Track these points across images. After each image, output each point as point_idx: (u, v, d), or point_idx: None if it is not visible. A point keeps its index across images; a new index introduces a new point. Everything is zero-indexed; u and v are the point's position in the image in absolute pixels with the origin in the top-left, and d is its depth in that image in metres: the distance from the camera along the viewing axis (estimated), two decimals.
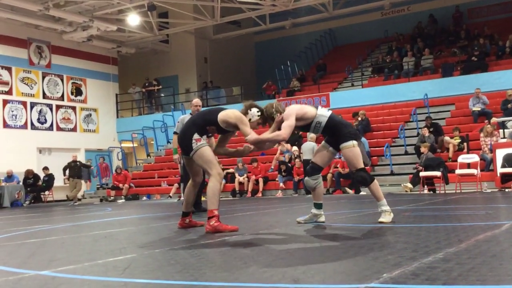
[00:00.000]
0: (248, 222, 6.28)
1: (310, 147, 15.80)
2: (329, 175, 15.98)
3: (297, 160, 16.57)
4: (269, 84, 24.60)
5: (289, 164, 17.17)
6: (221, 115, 5.53)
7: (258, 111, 5.62)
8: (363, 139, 16.70)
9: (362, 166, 5.63)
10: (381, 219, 5.64)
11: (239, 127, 5.45)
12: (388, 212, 5.70)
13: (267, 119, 5.65)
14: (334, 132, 5.63)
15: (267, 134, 5.55)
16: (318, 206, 5.97)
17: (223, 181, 17.73)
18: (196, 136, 5.55)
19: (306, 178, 5.93)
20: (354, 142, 5.58)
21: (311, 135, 16.64)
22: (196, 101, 8.95)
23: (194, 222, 6.22)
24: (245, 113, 5.60)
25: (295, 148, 17.51)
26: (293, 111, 5.51)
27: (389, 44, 25.69)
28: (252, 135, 5.41)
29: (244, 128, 5.42)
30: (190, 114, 8.75)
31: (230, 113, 5.54)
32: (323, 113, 5.58)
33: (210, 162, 5.52)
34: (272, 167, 17.92)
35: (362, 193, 14.52)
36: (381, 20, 28.15)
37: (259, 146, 5.77)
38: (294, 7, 22.88)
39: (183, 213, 6.14)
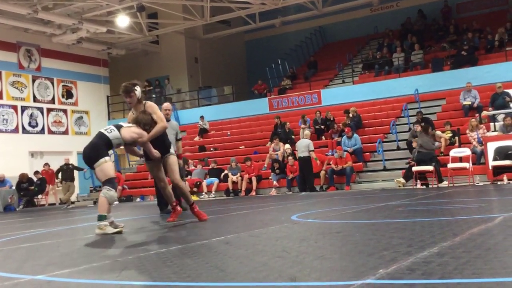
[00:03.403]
0: (242, 221, 6.28)
1: (305, 144, 15.85)
2: (322, 172, 16.02)
3: (290, 157, 16.59)
4: (259, 84, 24.62)
5: (283, 162, 17.19)
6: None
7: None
8: (355, 135, 16.79)
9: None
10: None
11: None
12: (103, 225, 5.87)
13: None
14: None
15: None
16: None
17: (217, 180, 17.75)
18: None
19: None
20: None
21: (305, 133, 16.69)
22: (166, 105, 9.07)
23: (198, 212, 6.75)
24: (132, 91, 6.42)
25: (287, 146, 17.53)
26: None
27: (379, 40, 25.76)
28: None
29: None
30: None
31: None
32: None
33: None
34: (265, 165, 17.93)
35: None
36: (370, 16, 28.23)
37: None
38: (283, 5, 22.91)
39: (190, 206, 6.74)
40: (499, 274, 2.57)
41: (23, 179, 19.35)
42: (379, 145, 16.53)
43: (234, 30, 27.74)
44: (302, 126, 18.68)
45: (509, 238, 3.78)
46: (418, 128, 15.78)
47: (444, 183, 13.56)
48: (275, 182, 16.87)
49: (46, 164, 20.13)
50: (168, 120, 8.99)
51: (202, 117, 22.72)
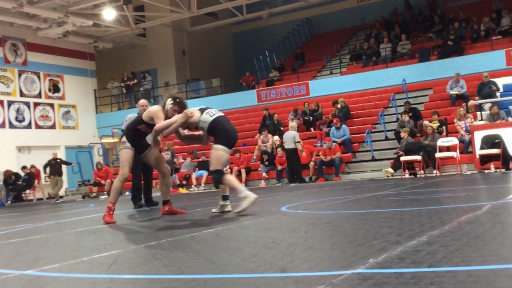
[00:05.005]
0: (232, 213, 6.29)
1: (291, 136, 15.87)
2: (311, 163, 16.06)
3: (279, 149, 16.61)
4: (247, 76, 24.57)
5: (272, 154, 17.20)
6: (145, 113, 6.53)
7: (171, 100, 6.33)
8: (343, 126, 16.83)
9: (219, 168, 6.23)
10: (239, 208, 6.06)
11: (154, 120, 6.27)
12: (244, 198, 6.10)
13: (184, 107, 6.32)
14: (214, 135, 6.30)
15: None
16: (225, 197, 6.54)
17: (206, 173, 17.70)
18: (123, 138, 6.82)
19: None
20: (225, 148, 6.19)
21: (291, 124, 16.71)
22: (143, 101, 9.27)
23: (174, 210, 6.97)
24: (164, 104, 6.37)
25: (276, 137, 17.54)
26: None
27: (366, 31, 25.78)
28: (158, 125, 6.15)
29: (156, 121, 6.22)
30: (138, 113, 8.96)
31: (151, 109, 6.46)
32: (205, 119, 6.21)
33: (122, 163, 6.68)
34: (255, 157, 17.94)
35: None
36: (357, 7, 28.25)
37: (165, 134, 6.38)
38: None
39: (163, 202, 7.05)
40: (488, 261, 2.59)
41: (9, 176, 19.18)
42: (367, 136, 16.59)
43: (221, 22, 27.65)
44: (291, 117, 18.69)
45: (497, 226, 3.81)
46: (405, 118, 15.88)
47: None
48: (264, 174, 16.89)
49: (33, 166, 19.89)
50: None
51: None
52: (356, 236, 3.78)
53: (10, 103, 21.84)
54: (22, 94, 22.35)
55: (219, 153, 6.16)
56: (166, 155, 17.20)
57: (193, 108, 6.38)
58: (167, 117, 6.25)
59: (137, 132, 6.60)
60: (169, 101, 6.34)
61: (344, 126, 16.98)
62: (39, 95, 23.01)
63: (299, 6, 25.27)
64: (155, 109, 6.37)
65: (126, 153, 6.68)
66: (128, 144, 6.69)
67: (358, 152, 17.09)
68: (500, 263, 2.54)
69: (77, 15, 21.66)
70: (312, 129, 18.72)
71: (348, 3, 28.20)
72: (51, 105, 23.46)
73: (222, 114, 6.41)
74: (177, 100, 6.36)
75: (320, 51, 25.32)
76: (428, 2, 25.97)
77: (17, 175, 19.46)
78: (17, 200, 19.41)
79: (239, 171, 17.12)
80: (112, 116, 24.80)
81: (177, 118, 6.15)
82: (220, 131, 6.19)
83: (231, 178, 6.33)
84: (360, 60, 22.69)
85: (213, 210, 6.63)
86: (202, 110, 6.31)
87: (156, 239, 4.57)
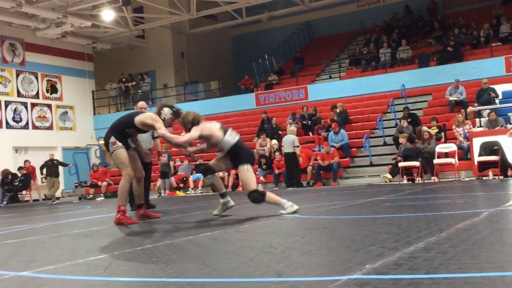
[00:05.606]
0: (229, 217, 6.28)
1: (290, 140, 15.87)
2: (309, 168, 16.05)
3: (277, 153, 16.59)
4: (246, 79, 24.58)
5: (270, 158, 17.18)
6: (137, 118, 6.43)
7: (170, 111, 6.49)
8: (342, 131, 16.83)
9: (255, 187, 6.20)
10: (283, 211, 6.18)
11: (154, 125, 6.26)
12: (290, 206, 6.21)
13: (184, 122, 6.33)
14: (237, 153, 6.28)
15: (172, 135, 6.41)
16: (223, 195, 6.60)
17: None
18: (112, 139, 6.53)
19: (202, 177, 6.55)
20: (249, 166, 6.27)
21: (291, 128, 16.70)
22: (142, 103, 9.17)
23: (148, 213, 7.09)
24: (159, 113, 6.46)
25: (274, 141, 17.53)
26: (200, 129, 6.20)
27: (365, 36, 25.82)
28: (162, 130, 6.22)
29: (157, 125, 6.26)
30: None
31: (146, 115, 6.44)
32: (229, 141, 6.24)
33: (122, 164, 6.46)
34: None
35: None
36: (357, 12, 28.27)
37: (169, 143, 6.64)
38: (270, 0, 22.85)
39: (137, 206, 7.07)
40: (485, 268, 2.58)
41: (7, 175, 19.14)
42: (365, 141, 16.58)
43: (220, 25, 27.63)
44: (290, 121, 18.69)
45: (495, 233, 3.80)
46: (404, 123, 15.88)
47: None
48: (262, 178, 16.87)
49: (27, 161, 19.87)
50: None
51: None
52: (353, 242, 3.77)
53: (7, 103, 21.80)
54: (19, 94, 22.30)
55: (249, 173, 6.23)
56: (163, 158, 17.17)
57: (214, 126, 6.35)
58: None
59: (124, 134, 6.57)
60: (167, 111, 6.47)
61: (342, 131, 16.98)
62: (36, 96, 22.97)
63: (299, 10, 25.28)
64: (151, 115, 6.39)
65: (123, 153, 6.53)
66: (120, 143, 6.54)
67: (356, 157, 17.08)
68: (498, 270, 2.54)
69: (76, 16, 21.64)
70: (310, 133, 18.71)
71: (348, 8, 28.22)
72: (49, 106, 23.41)
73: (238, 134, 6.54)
74: (175, 110, 6.54)
75: (319, 55, 25.34)
76: (428, 7, 26.03)
77: (14, 175, 19.40)
78: (13, 201, 19.33)
79: (237, 175, 17.09)
80: (110, 117, 24.56)
81: (196, 132, 6.15)
82: (243, 151, 6.32)
83: (271, 195, 6.27)
84: (359, 64, 22.71)
85: (215, 213, 6.62)
86: (224, 131, 6.31)
87: (152, 242, 4.56)
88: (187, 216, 7.11)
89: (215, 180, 6.52)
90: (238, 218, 6.00)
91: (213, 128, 6.29)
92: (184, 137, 6.25)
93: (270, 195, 6.21)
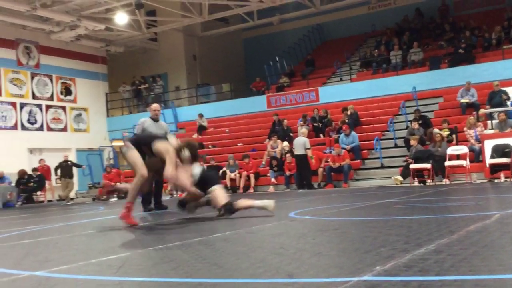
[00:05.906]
0: (240, 218, 6.30)
1: (301, 142, 15.87)
2: (320, 170, 16.04)
3: (288, 155, 16.60)
4: (257, 81, 24.62)
5: (281, 160, 17.20)
6: (157, 146, 6.46)
7: (189, 154, 6.62)
8: (353, 133, 16.82)
9: (224, 202, 6.48)
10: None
11: (166, 164, 6.31)
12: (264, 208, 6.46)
13: (196, 159, 6.78)
14: (205, 184, 6.61)
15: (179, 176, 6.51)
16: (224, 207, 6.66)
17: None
18: (127, 143, 6.69)
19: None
20: (217, 186, 6.61)
21: (302, 130, 16.72)
22: (156, 105, 9.21)
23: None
24: (178, 151, 6.56)
25: (285, 143, 17.55)
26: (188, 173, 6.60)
27: (376, 38, 25.76)
28: (169, 171, 6.28)
29: (168, 167, 6.29)
30: (150, 117, 9.15)
31: (167, 150, 6.42)
32: (196, 173, 6.61)
33: (135, 164, 6.46)
34: (264, 162, 17.95)
35: None
36: (368, 14, 28.22)
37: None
38: (281, 3, 22.88)
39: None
40: (496, 271, 2.59)
41: (23, 176, 19.33)
42: (376, 143, 16.55)
43: (232, 28, 27.71)
44: (301, 123, 18.69)
45: (506, 236, 3.80)
46: (415, 125, 15.83)
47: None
48: (273, 179, 16.89)
49: (42, 159, 20.12)
50: (156, 120, 9.15)
51: (200, 115, 22.73)
52: (363, 243, 3.78)
53: (22, 105, 22.02)
54: (34, 96, 22.52)
55: (220, 191, 6.59)
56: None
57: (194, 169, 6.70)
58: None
59: (138, 146, 6.62)
60: (187, 154, 6.63)
61: (353, 133, 16.96)
62: (51, 98, 23.17)
63: (310, 12, 25.28)
64: (171, 154, 6.40)
65: (135, 155, 6.50)
66: (131, 144, 6.58)
67: (367, 159, 17.05)
68: (508, 273, 2.54)
69: (90, 19, 21.81)
70: (321, 135, 18.71)
71: (359, 10, 28.17)
72: (63, 108, 23.61)
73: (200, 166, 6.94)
74: (193, 154, 6.71)
75: (331, 57, 25.31)
76: (439, 10, 25.90)
77: (29, 176, 19.60)
78: (28, 202, 19.51)
79: (248, 176, 17.13)
80: (123, 119, 24.91)
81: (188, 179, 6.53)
82: (210, 178, 6.71)
83: (240, 202, 6.54)
84: (370, 67, 22.66)
85: (216, 215, 6.67)
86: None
87: (164, 242, 4.60)
88: (198, 218, 7.14)
89: (196, 207, 6.90)
90: (249, 219, 6.02)
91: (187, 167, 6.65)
92: (188, 184, 6.53)
93: (240, 204, 6.51)
